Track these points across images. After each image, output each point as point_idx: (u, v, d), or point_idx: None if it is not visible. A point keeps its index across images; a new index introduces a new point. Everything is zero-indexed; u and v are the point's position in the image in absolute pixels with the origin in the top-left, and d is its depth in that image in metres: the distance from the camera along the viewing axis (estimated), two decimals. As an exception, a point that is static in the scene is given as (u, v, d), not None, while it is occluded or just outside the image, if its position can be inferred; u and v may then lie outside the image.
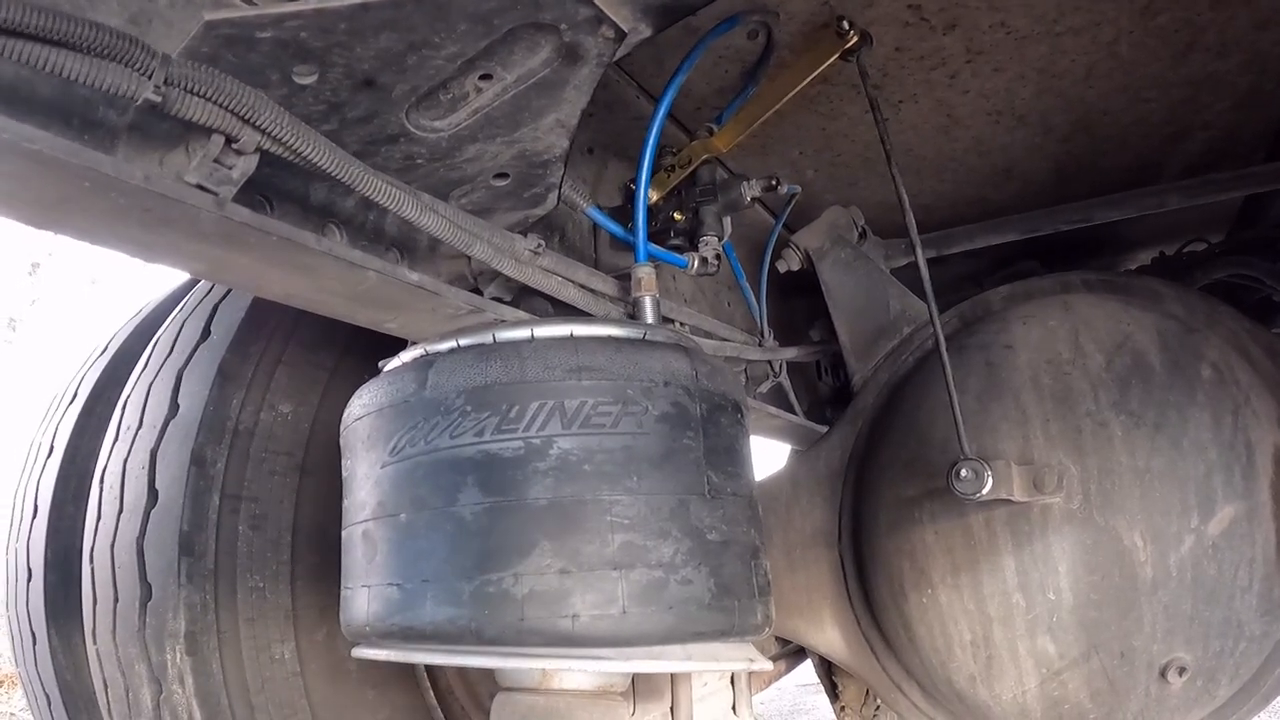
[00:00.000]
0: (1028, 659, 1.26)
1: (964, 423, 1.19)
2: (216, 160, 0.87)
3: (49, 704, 1.67)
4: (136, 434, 1.44)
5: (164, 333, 1.55)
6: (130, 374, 1.63)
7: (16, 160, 0.73)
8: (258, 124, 0.85)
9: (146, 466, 1.38)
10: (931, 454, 1.34)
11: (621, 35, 0.97)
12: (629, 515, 0.96)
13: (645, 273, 1.21)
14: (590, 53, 0.99)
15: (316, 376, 1.46)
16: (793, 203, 1.53)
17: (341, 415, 1.15)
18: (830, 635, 1.50)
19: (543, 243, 1.12)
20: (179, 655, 1.27)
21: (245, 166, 0.88)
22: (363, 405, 1.08)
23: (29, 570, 1.66)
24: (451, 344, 1.06)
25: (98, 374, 1.76)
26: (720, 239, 1.35)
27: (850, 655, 1.49)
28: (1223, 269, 1.75)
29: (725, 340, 1.51)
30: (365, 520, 1.04)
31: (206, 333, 1.45)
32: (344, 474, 1.14)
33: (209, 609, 1.30)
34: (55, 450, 1.71)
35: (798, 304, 2.06)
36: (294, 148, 0.87)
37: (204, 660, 1.28)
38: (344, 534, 1.11)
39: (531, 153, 1.11)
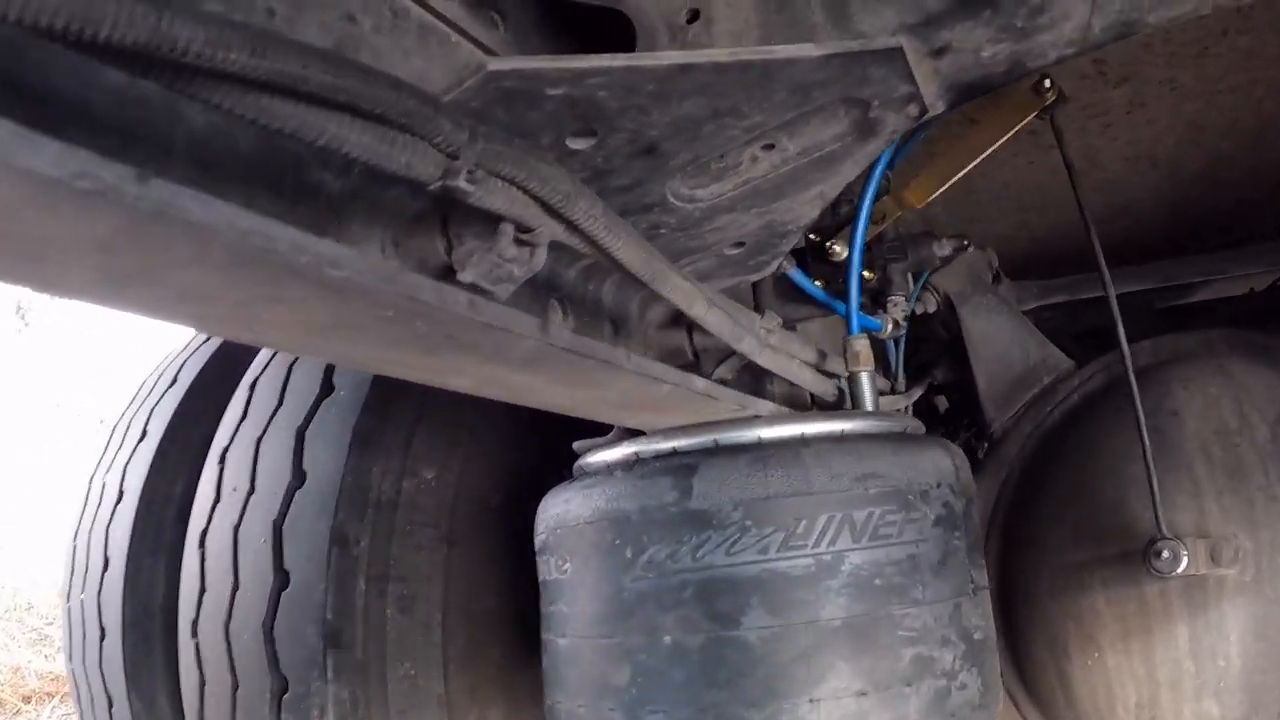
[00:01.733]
0: (1191, 720, 1.30)
1: (1148, 496, 1.19)
2: (499, 254, 0.70)
3: (128, 770, 1.49)
4: (248, 499, 1.26)
5: (264, 379, 1.35)
6: (213, 414, 1.44)
7: (307, 288, 0.52)
8: (568, 216, 0.69)
9: (269, 541, 1.22)
10: (1102, 518, 1.34)
11: (924, 112, 0.88)
12: (916, 627, 0.91)
13: (861, 346, 1.13)
14: (886, 129, 0.88)
15: (456, 436, 1.31)
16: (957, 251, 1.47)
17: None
18: (970, 687, 1.50)
19: (780, 320, 1.03)
20: (326, 753, 1.14)
21: (532, 263, 0.71)
22: (593, 508, 0.97)
23: (101, 628, 1.46)
24: (707, 441, 0.96)
25: (170, 410, 1.54)
26: (907, 299, 1.29)
27: (989, 706, 1.51)
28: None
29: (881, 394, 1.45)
30: (605, 637, 0.94)
31: (328, 386, 1.27)
32: (552, 575, 1.03)
33: (359, 704, 1.17)
34: (125, 495, 1.49)
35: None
36: (602, 245, 0.71)
37: (356, 758, 1.16)
38: (562, 643, 1.01)
39: (778, 223, 1.00)
